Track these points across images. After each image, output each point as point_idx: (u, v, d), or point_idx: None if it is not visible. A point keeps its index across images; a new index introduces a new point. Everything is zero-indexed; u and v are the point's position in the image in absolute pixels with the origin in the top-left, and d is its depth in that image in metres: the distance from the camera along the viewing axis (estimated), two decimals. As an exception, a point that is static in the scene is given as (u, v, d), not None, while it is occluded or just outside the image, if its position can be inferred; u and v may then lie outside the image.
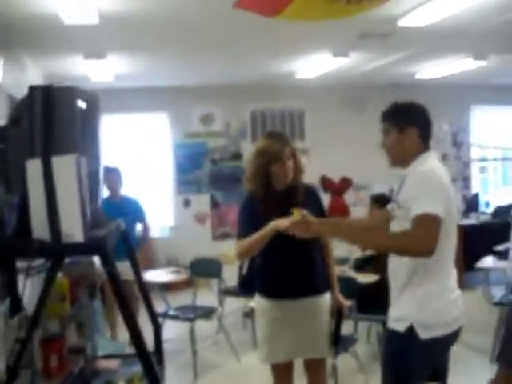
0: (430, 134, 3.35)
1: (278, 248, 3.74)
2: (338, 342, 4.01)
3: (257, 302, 3.99)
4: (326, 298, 3.99)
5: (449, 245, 3.24)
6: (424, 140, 3.30)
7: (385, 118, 3.38)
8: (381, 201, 7.23)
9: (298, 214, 3.35)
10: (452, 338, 3.32)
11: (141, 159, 9.91)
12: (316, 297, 3.92)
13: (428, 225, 2.94)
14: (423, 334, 3.11)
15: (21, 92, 6.19)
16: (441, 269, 3.22)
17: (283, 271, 3.81)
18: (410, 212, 3.02)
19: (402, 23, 5.58)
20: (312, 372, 4.06)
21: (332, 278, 4.11)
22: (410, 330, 3.11)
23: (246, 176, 3.98)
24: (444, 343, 3.29)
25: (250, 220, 3.80)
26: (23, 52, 6.65)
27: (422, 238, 2.94)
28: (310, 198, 3.98)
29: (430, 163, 3.21)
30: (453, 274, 3.36)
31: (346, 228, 3.57)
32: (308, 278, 3.90)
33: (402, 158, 3.32)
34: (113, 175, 6.73)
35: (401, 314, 3.18)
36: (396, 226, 3.24)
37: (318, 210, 3.93)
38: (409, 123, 3.27)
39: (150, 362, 2.60)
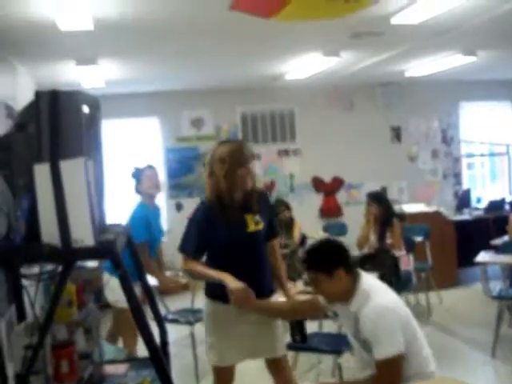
0: (351, 263, 3.47)
1: (231, 254, 3.85)
2: (306, 338, 4.08)
3: (208, 306, 3.97)
4: (274, 298, 4.08)
5: (418, 344, 3.37)
6: (351, 271, 3.43)
7: (309, 267, 3.46)
8: (378, 198, 7.27)
9: (250, 220, 3.80)
10: None
11: (132, 164, 9.87)
12: (267, 297, 3.99)
13: (390, 369, 3.19)
14: None
15: (14, 100, 6.17)
16: (419, 368, 3.35)
17: (237, 275, 3.74)
18: (372, 352, 3.25)
19: (395, 21, 5.59)
20: (276, 372, 4.10)
21: (283, 278, 4.19)
22: None
23: (210, 183, 3.87)
24: None
25: (200, 233, 3.84)
26: (16, 60, 6.62)
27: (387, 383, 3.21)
28: (263, 205, 4.03)
29: (373, 295, 3.33)
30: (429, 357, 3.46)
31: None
32: (259, 280, 3.94)
33: (341, 298, 3.43)
34: (154, 172, 6.04)
35: None
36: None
37: (270, 217, 4.09)
38: (335, 266, 3.36)
39: (164, 365, 2.60)
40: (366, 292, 3.34)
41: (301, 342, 4.06)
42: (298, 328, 4.01)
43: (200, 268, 3.87)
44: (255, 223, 3.91)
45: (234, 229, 3.85)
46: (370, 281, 3.45)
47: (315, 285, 3.46)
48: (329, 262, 3.40)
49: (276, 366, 4.07)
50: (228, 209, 3.82)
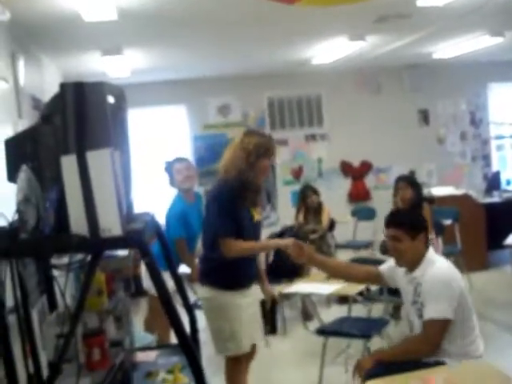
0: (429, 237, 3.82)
1: (243, 238, 3.94)
2: (275, 330, 4.23)
3: (218, 296, 3.99)
4: None
5: (470, 324, 3.56)
6: (427, 242, 3.68)
7: (396, 225, 3.66)
8: (410, 182, 7.18)
9: (253, 210, 3.97)
10: None
11: (161, 153, 9.94)
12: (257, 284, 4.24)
13: (434, 329, 3.41)
14: None
15: (41, 92, 6.24)
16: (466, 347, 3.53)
17: (243, 263, 3.96)
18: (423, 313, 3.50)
19: (420, 3, 5.54)
20: (252, 356, 4.28)
21: (262, 271, 4.43)
22: None
23: (239, 166, 3.90)
24: None
25: (231, 214, 3.88)
26: (41, 51, 6.68)
27: (425, 341, 3.45)
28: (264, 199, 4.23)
29: (439, 263, 3.59)
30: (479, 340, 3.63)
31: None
32: (255, 266, 4.21)
33: (412, 262, 3.64)
34: (184, 165, 5.78)
35: None
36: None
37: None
38: (420, 230, 3.62)
39: (194, 351, 2.62)
40: (431, 261, 3.58)
41: (270, 332, 4.23)
42: (270, 318, 4.20)
43: (246, 245, 3.93)
44: (257, 213, 4.06)
45: (246, 216, 3.95)
46: (435, 254, 3.69)
47: (395, 243, 3.64)
48: (416, 224, 3.66)
49: (254, 351, 4.25)
50: (246, 194, 3.90)
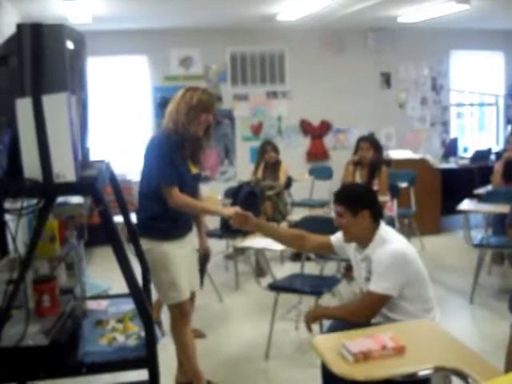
0: (381, 213, 3.77)
1: (181, 190, 3.97)
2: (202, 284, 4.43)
3: (156, 246, 4.01)
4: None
5: (424, 292, 3.63)
6: (376, 219, 3.67)
7: (339, 201, 3.71)
8: (374, 143, 7.21)
9: (190, 164, 4.02)
10: None
11: (120, 102, 9.84)
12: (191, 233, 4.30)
13: (372, 302, 3.49)
14: None
15: (0, 35, 6.06)
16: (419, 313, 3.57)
17: (178, 213, 4.01)
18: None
19: (387, -37, 5.52)
20: (192, 305, 4.46)
21: (202, 223, 4.50)
22: None
23: (181, 118, 3.95)
24: None
25: (174, 164, 3.92)
26: (0, -8, 6.50)
27: (360, 311, 3.51)
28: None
29: (390, 240, 3.59)
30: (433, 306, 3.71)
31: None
32: (191, 219, 4.29)
33: (359, 238, 3.69)
34: None
35: None
36: None
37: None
38: (362, 207, 3.62)
39: (144, 300, 2.63)
40: (382, 237, 3.61)
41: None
42: (202, 272, 4.33)
43: (190, 201, 3.99)
44: (194, 167, 4.11)
45: (184, 168, 4.00)
46: (387, 229, 3.70)
47: (338, 218, 3.70)
48: (357, 201, 3.66)
49: (192, 300, 4.34)
50: (185, 145, 3.96)
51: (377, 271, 3.50)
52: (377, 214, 3.69)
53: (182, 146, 3.92)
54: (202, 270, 4.38)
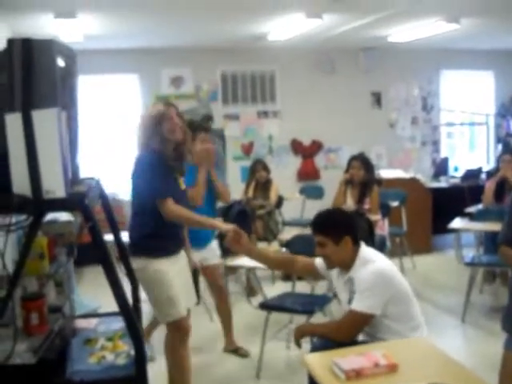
0: (357, 234, 3.67)
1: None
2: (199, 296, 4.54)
3: (152, 264, 3.95)
4: None
5: (410, 311, 3.59)
6: (357, 242, 3.64)
7: (319, 231, 3.64)
8: (366, 162, 7.20)
9: (181, 182, 4.08)
10: None
11: (111, 121, 9.82)
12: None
13: (354, 321, 3.45)
14: None
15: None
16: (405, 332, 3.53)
17: (170, 230, 4.01)
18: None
19: (378, -17, 5.55)
20: (189, 328, 4.29)
21: (185, 240, 4.58)
22: None
23: (149, 134, 3.96)
24: None
25: (166, 179, 3.93)
26: (-7, 10, 6.50)
27: (342, 330, 3.48)
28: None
29: (372, 261, 3.55)
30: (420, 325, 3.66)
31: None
32: (181, 233, 4.27)
33: (342, 264, 3.64)
34: None
35: None
36: None
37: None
38: (343, 234, 3.57)
39: (133, 319, 2.60)
40: (365, 259, 3.57)
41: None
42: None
43: (186, 213, 3.95)
44: (182, 183, 4.13)
45: (174, 183, 4.02)
46: (367, 249, 3.68)
47: (321, 248, 3.63)
48: (339, 228, 3.60)
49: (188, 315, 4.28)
50: (172, 161, 3.97)
51: (359, 290, 3.47)
52: (357, 237, 3.65)
53: (166, 162, 3.91)
54: (196, 283, 4.37)
